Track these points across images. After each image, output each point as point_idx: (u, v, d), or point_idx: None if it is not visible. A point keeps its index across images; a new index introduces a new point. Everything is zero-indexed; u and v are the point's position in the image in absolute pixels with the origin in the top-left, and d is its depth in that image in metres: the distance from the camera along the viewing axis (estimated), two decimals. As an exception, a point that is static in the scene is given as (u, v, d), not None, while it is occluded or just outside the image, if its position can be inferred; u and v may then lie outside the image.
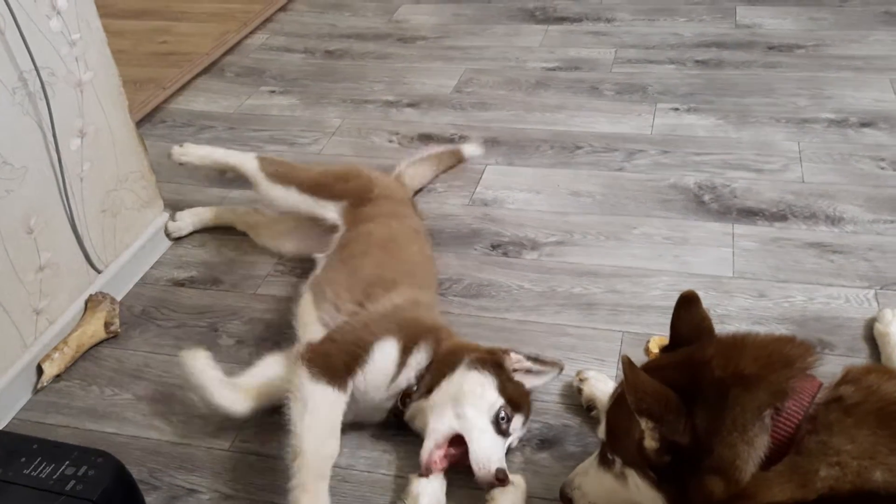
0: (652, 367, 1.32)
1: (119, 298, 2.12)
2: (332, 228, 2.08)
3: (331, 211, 2.09)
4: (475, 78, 3.08)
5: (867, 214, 2.15)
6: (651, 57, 3.07)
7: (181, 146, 2.33)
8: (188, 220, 2.36)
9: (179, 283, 2.20)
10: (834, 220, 2.14)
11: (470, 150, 2.53)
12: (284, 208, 2.16)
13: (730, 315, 1.87)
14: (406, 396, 1.65)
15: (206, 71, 3.33)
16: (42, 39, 1.82)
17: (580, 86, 2.93)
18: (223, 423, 1.76)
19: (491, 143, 2.64)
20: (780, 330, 1.82)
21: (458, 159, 2.53)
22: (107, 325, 2.00)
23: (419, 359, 1.66)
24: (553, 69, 3.07)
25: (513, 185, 2.42)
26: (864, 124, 2.53)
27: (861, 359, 1.72)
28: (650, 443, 1.22)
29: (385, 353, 1.63)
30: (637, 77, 2.94)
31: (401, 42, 3.44)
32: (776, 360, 1.21)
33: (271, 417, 1.75)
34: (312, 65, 3.34)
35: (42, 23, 1.82)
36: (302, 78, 3.23)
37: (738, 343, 1.27)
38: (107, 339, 2.01)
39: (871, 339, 1.77)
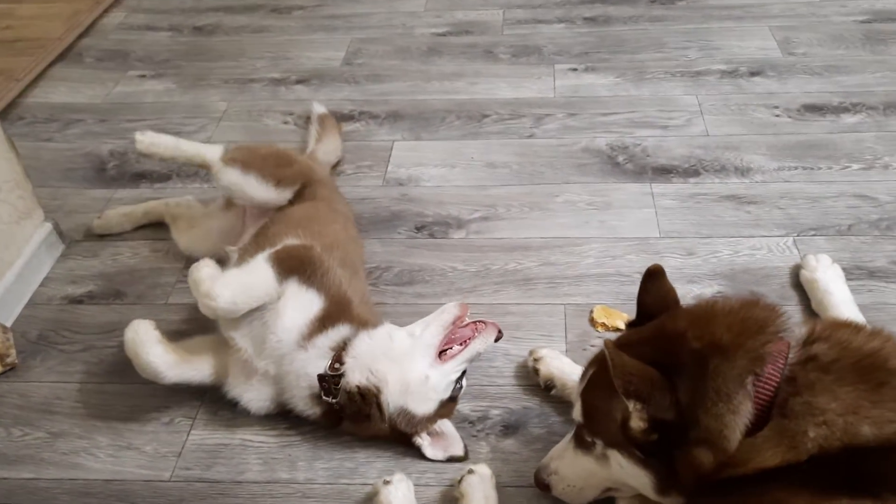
0: (625, 344, 1.30)
1: (9, 324, 1.89)
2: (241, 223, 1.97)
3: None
4: (363, 48, 2.95)
5: (772, 163, 2.23)
6: (539, 16, 3.04)
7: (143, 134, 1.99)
8: (116, 220, 2.16)
9: (77, 301, 1.98)
10: (743, 171, 2.20)
11: (317, 107, 2.47)
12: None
13: (664, 276, 1.89)
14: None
15: (61, 58, 3.02)
16: None
17: (474, 51, 2.86)
18: (158, 452, 1.62)
19: (393, 117, 2.54)
20: (714, 287, 1.86)
21: (333, 122, 2.44)
22: (1, 357, 1.78)
23: (339, 333, 1.57)
24: (443, 34, 2.98)
25: (425, 161, 2.34)
26: (753, 73, 2.61)
27: (793, 306, 1.78)
28: (637, 423, 1.20)
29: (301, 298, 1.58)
30: (530, 38, 2.91)
31: (276, 13, 3.24)
32: (750, 325, 1.21)
33: (212, 437, 1.64)
34: (182, 43, 3.09)
35: None
36: (173, 59, 2.98)
37: (709, 312, 1.26)
38: (3, 373, 1.79)
39: (799, 285, 1.84)
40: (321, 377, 1.53)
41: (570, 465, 1.40)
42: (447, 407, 1.58)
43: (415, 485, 1.49)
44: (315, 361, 1.54)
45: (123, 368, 1.79)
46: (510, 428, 1.61)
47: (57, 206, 2.26)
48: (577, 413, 1.36)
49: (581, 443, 1.37)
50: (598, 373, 1.31)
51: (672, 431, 1.19)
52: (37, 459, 1.62)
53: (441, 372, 1.56)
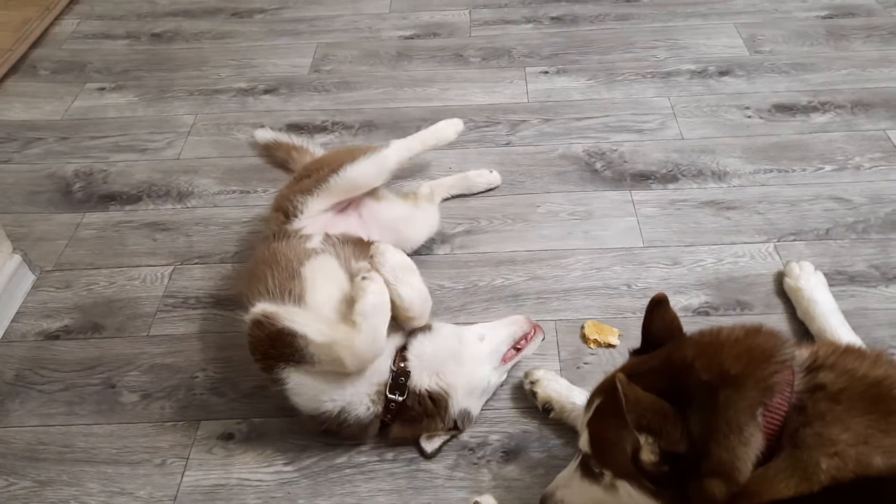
0: (633, 374, 1.30)
1: (-17, 366, 1.82)
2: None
3: None
4: (331, 54, 2.89)
5: (747, 166, 2.25)
6: (506, 16, 3.02)
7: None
8: None
9: (53, 336, 1.92)
10: (720, 176, 2.22)
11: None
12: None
13: (650, 287, 1.90)
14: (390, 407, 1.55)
15: (14, 71, 2.90)
16: None
17: (444, 54, 2.83)
18: (153, 496, 1.58)
19: (368, 127, 2.50)
20: (701, 297, 1.88)
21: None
22: (-22, 402, 1.72)
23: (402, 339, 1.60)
24: (410, 37, 2.94)
25: (403, 173, 2.30)
26: (722, 73, 2.63)
27: (778, 314, 1.81)
28: (648, 456, 1.21)
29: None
30: (498, 40, 2.88)
31: (237, 17, 3.16)
32: (757, 355, 1.22)
33: (208, 478, 1.60)
34: (141, 52, 2.99)
35: None
36: (133, 69, 2.89)
37: (715, 341, 1.27)
38: (-18, 420, 1.72)
39: (783, 293, 1.86)
40: (397, 372, 1.54)
41: (577, 494, 1.40)
42: None
43: (419, 521, 1.49)
44: (384, 359, 1.55)
45: (109, 407, 1.76)
46: (510, 453, 1.61)
47: (23, 234, 2.18)
48: (584, 443, 1.36)
49: (588, 472, 1.37)
50: (606, 403, 1.31)
51: (683, 463, 1.20)
52: (26, 511, 1.57)
53: (499, 374, 1.66)
